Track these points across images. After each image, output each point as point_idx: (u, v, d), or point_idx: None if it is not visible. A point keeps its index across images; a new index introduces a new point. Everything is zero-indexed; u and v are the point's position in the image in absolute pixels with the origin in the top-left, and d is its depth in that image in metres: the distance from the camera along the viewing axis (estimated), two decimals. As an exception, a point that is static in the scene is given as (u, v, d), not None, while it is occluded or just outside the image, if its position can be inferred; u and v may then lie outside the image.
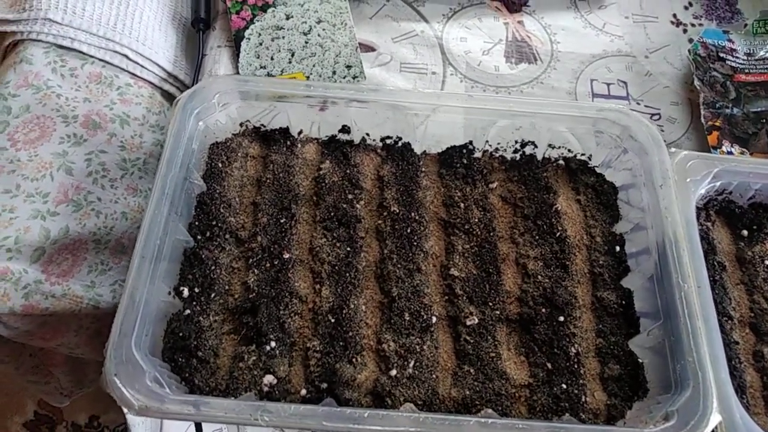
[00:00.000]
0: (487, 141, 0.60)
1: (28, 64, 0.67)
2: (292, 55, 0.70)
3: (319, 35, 0.71)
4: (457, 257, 0.56)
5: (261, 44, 0.71)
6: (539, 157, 0.61)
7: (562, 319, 0.53)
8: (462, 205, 0.58)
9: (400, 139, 0.61)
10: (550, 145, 0.60)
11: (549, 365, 0.51)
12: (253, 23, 0.73)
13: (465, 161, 0.60)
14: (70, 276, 0.62)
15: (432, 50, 0.77)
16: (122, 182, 0.67)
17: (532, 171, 0.60)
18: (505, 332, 0.53)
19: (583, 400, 0.50)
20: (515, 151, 0.61)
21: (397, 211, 0.57)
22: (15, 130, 0.63)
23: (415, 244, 0.55)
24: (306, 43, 0.71)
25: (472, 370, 0.50)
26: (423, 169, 0.60)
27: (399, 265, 0.54)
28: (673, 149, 0.56)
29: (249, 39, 0.71)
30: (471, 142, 0.60)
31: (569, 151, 0.60)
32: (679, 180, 0.54)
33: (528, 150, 0.60)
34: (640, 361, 0.51)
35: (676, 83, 0.77)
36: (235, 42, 0.72)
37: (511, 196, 0.59)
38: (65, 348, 0.69)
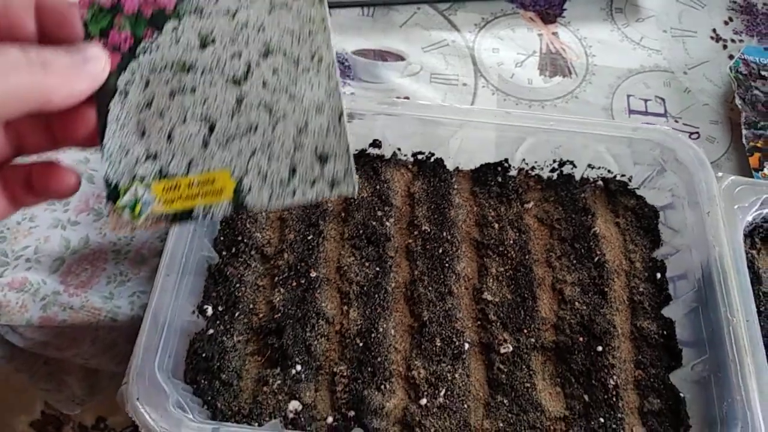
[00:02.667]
0: (523, 159, 0.58)
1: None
2: (211, 130, 0.34)
3: (265, 85, 0.34)
4: (491, 280, 0.53)
5: (149, 105, 0.34)
6: (577, 176, 0.58)
7: (600, 348, 0.50)
8: (496, 225, 0.56)
9: (433, 154, 0.58)
10: (589, 165, 0.57)
11: (586, 397, 0.49)
12: (135, 57, 0.34)
13: (500, 179, 0.58)
14: (88, 287, 0.60)
15: (463, 61, 0.74)
16: (144, 190, 0.65)
17: (570, 191, 0.58)
18: (540, 361, 0.51)
19: (622, 435, 0.47)
20: (552, 170, 0.58)
21: (429, 230, 0.55)
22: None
23: (446, 265, 0.53)
24: (239, 103, 0.34)
25: (505, 401, 0.48)
26: (455, 187, 0.58)
27: (430, 288, 0.52)
28: (720, 174, 0.54)
29: (125, 94, 0.33)
30: (506, 160, 0.58)
31: (609, 171, 0.58)
32: (726, 207, 0.52)
33: (566, 169, 0.58)
34: (682, 395, 0.49)
35: (715, 101, 0.74)
36: (98, 100, 0.32)
37: (547, 217, 0.57)
38: (80, 358, 0.68)
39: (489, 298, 0.52)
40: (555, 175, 0.59)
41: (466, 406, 0.48)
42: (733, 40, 0.79)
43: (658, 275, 0.54)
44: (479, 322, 0.52)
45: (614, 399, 0.49)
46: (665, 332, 0.52)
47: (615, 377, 0.49)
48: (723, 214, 0.51)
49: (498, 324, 0.51)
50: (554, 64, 0.75)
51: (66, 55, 0.29)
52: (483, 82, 0.73)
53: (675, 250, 0.54)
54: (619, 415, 0.48)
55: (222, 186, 0.33)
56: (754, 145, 0.68)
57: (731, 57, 0.78)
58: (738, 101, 0.71)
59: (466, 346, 0.50)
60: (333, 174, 0.34)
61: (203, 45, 0.35)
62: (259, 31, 0.35)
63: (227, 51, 0.35)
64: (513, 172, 0.59)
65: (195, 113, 0.34)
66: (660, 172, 0.55)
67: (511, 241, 0.55)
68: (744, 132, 0.69)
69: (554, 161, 0.58)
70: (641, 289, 0.54)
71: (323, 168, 0.34)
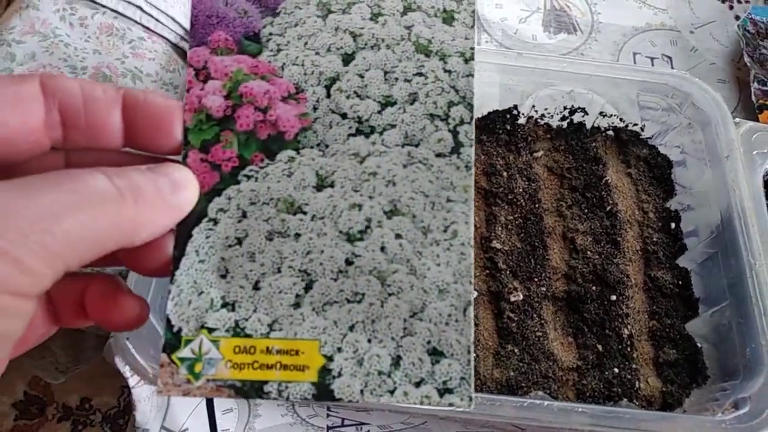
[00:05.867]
0: (533, 106, 0.55)
1: (34, 10, 0.62)
2: (308, 288, 0.28)
3: (383, 250, 0.28)
4: (500, 229, 0.51)
5: (240, 242, 0.28)
6: (588, 125, 0.56)
7: (614, 298, 0.48)
8: (504, 174, 0.53)
9: (438, 101, 0.56)
10: (601, 113, 0.55)
11: (599, 347, 0.47)
12: (236, 183, 0.28)
13: (508, 127, 0.56)
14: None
15: (465, 16, 0.72)
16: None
17: (580, 140, 0.55)
18: (552, 311, 0.49)
19: (637, 386, 0.45)
20: (563, 119, 0.56)
21: (434, 177, 0.52)
22: (18, 78, 0.58)
23: (453, 212, 0.51)
24: (348, 264, 0.28)
25: (516, 350, 0.46)
26: (461, 135, 0.55)
27: (437, 235, 0.50)
28: (737, 119, 0.52)
29: (214, 222, 0.28)
30: (515, 107, 0.55)
31: (621, 120, 0.56)
32: (744, 152, 0.50)
33: (577, 118, 0.56)
34: (699, 345, 0.47)
35: (722, 60, 0.72)
36: (179, 223, 0.26)
37: (557, 166, 0.55)
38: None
39: (498, 246, 0.50)
40: (565, 124, 0.56)
41: (475, 355, 0.45)
42: (739, 1, 0.78)
43: (672, 225, 0.52)
44: (488, 271, 0.50)
45: (629, 349, 0.47)
46: (680, 282, 0.50)
47: (629, 327, 0.47)
48: (742, 158, 0.49)
49: (507, 272, 0.49)
50: (559, 20, 0.73)
51: (153, 178, 0.23)
52: (486, 37, 0.71)
53: (693, 200, 0.52)
54: (634, 365, 0.46)
55: (307, 361, 0.27)
56: (764, 103, 0.67)
57: (737, 18, 0.76)
58: (747, 59, 0.69)
59: (475, 294, 0.48)
60: (445, 377, 0.27)
61: (320, 186, 0.29)
62: (389, 185, 0.29)
63: (347, 200, 0.28)
64: (522, 121, 0.56)
65: (293, 264, 0.28)
66: (675, 118, 0.53)
67: (521, 190, 0.53)
68: (753, 89, 0.67)
69: (565, 108, 0.55)
70: (655, 239, 0.52)
71: (434, 366, 0.27)
